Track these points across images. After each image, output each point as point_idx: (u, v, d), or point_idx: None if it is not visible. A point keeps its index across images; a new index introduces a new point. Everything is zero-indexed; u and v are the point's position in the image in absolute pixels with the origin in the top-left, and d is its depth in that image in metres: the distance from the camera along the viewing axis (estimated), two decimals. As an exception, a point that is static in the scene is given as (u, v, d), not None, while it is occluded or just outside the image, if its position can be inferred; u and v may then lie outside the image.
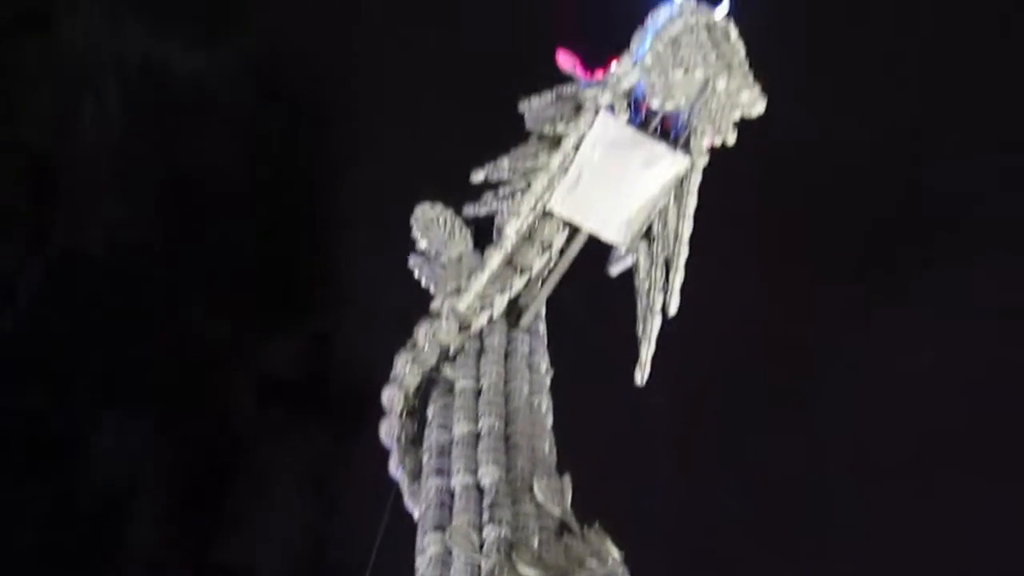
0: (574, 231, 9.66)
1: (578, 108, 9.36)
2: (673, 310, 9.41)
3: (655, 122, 9.31)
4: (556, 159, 9.21)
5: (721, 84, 8.62)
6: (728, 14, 9.21)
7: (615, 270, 9.98)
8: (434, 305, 9.94)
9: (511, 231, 9.28)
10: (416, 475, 9.37)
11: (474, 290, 9.38)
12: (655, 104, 8.91)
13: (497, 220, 10.07)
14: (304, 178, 14.05)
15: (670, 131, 9.45)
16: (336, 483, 13.56)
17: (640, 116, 9.33)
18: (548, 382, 9.74)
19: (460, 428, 9.16)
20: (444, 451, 9.14)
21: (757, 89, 8.67)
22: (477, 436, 9.06)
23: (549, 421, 9.44)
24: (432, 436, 9.30)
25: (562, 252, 9.79)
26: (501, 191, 9.87)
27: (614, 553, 7.81)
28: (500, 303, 9.65)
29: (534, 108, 9.74)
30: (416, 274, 10.82)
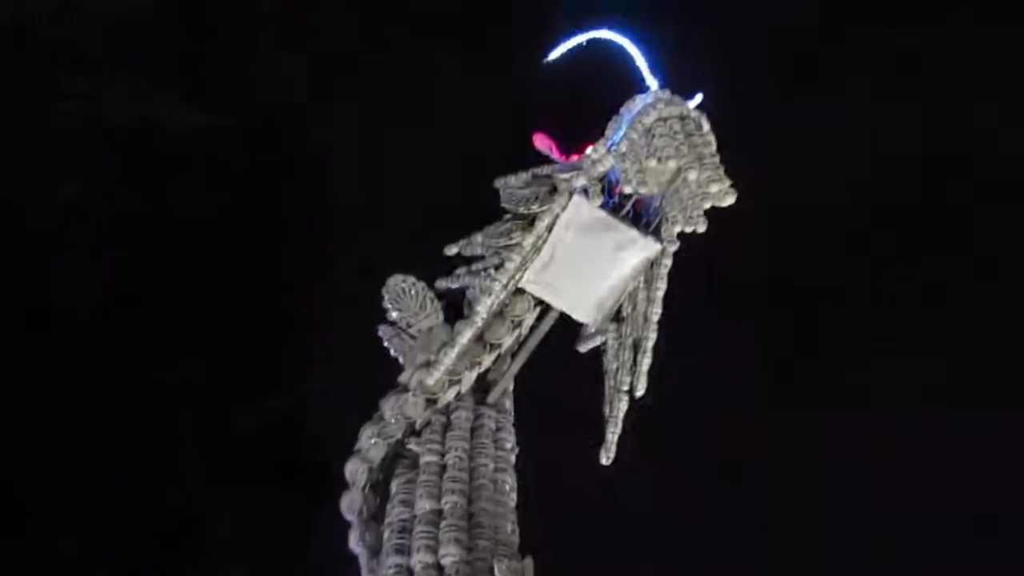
0: (545, 309, 9.94)
1: (553, 190, 9.69)
2: (640, 392, 9.71)
3: (628, 206, 9.67)
4: (530, 239, 9.53)
5: (692, 175, 9.09)
6: (700, 106, 9.67)
7: (584, 347, 10.23)
8: (402, 378, 10.09)
9: (483, 308, 9.50)
10: (376, 551, 9.41)
11: (444, 365, 9.58)
12: (627, 189, 9.30)
13: (468, 294, 10.27)
14: (278, 246, 14.34)
15: (642, 216, 9.84)
16: (295, 557, 13.58)
17: (613, 200, 9.70)
18: (513, 460, 9.92)
19: (422, 504, 9.27)
20: (405, 528, 9.26)
21: (727, 183, 9.10)
22: (440, 513, 9.17)
23: (513, 500, 9.61)
24: (393, 512, 9.42)
25: (532, 329, 10.04)
26: (474, 266, 10.13)
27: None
28: (469, 379, 9.83)
29: (510, 186, 10.08)
30: (385, 344, 10.84)
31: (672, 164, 9.26)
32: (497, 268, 9.86)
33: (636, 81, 10.03)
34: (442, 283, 10.58)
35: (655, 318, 9.74)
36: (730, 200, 9.18)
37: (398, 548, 9.19)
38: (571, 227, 9.62)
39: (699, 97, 9.88)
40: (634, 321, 9.87)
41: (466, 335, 9.74)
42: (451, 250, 10.53)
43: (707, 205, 9.34)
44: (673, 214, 9.61)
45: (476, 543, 8.89)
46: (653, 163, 9.34)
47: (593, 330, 9.99)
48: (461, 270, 10.39)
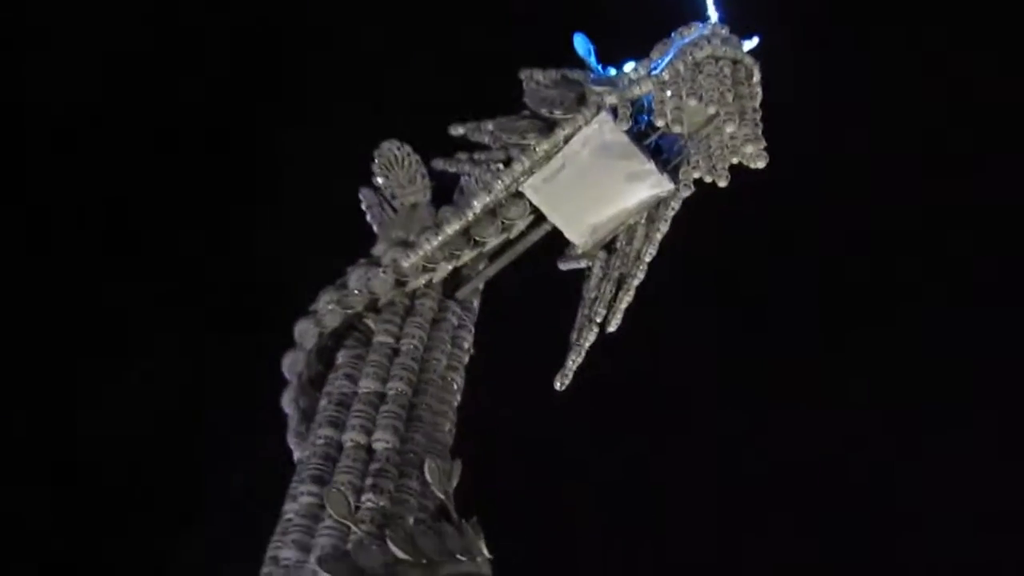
0: (538, 219, 10.15)
1: (581, 99, 9.82)
2: (612, 327, 10.05)
3: (653, 138, 9.87)
4: (544, 144, 9.64)
5: (730, 128, 9.26)
6: (755, 53, 9.79)
7: (565, 266, 10.47)
8: (375, 250, 10.33)
9: (478, 202, 9.68)
10: (308, 416, 9.84)
11: (423, 250, 9.75)
12: (659, 122, 9.48)
13: (464, 182, 10.43)
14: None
15: (663, 150, 10.02)
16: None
17: (639, 127, 9.90)
18: (467, 360, 10.27)
19: (367, 384, 9.61)
20: (343, 403, 9.59)
21: (761, 145, 9.28)
22: (382, 397, 9.51)
23: (457, 400, 10.00)
24: (335, 383, 9.73)
25: (520, 235, 10.21)
26: (476, 155, 10.24)
27: (485, 552, 8.45)
28: (444, 269, 10.04)
29: (536, 82, 10.16)
30: (364, 208, 11.11)
31: (712, 109, 9.44)
32: (504, 165, 9.95)
33: (696, 6, 10.13)
34: (439, 163, 10.69)
35: (647, 258, 10.02)
36: (761, 164, 9.42)
37: (332, 420, 9.53)
38: (589, 144, 9.75)
39: (756, 41, 10.04)
40: (625, 256, 10.14)
41: (453, 225, 9.92)
42: (457, 130, 10.56)
43: (735, 161, 9.57)
44: (697, 159, 9.86)
45: (412, 435, 9.29)
46: (693, 102, 9.51)
47: (580, 252, 10.22)
48: (462, 155, 10.48)
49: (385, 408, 9.36)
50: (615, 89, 9.69)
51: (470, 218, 9.81)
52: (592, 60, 10.23)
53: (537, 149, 9.71)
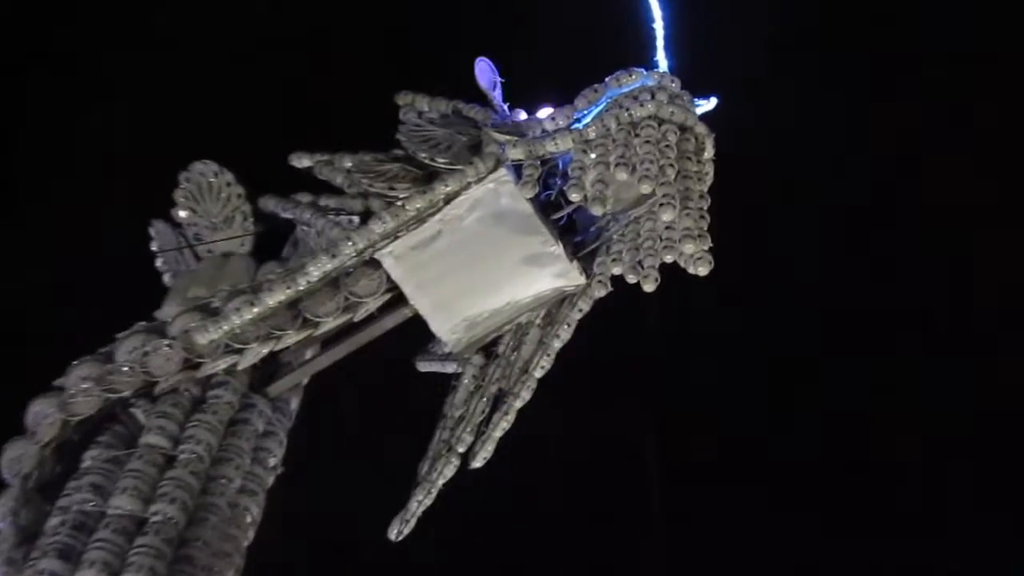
0: (396, 299, 8.95)
1: (475, 147, 8.79)
2: (479, 463, 8.96)
3: (565, 213, 8.88)
4: (417, 201, 8.59)
5: (666, 215, 8.32)
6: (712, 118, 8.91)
7: (425, 367, 9.49)
8: (162, 313, 9.02)
9: (315, 268, 8.50)
10: (29, 538, 8.21)
11: (230, 323, 8.47)
12: (574, 196, 8.50)
13: (300, 234, 9.37)
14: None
15: (578, 232, 9.07)
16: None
17: (549, 195, 8.88)
18: (270, 482, 8.90)
19: (121, 502, 8.11)
20: (83, 526, 8.07)
21: (705, 245, 8.36)
22: (141, 524, 8.03)
23: (248, 538, 8.59)
24: (76, 495, 8.19)
25: (367, 320, 8.97)
26: (324, 200, 9.13)
27: None
28: (255, 354, 8.74)
29: (419, 114, 9.18)
30: (154, 248, 9.88)
31: (647, 187, 8.45)
32: (359, 219, 8.87)
33: (642, 48, 9.18)
34: (269, 202, 9.48)
35: (538, 373, 8.97)
36: (703, 271, 8.46)
37: (62, 550, 7.99)
38: (479, 208, 8.74)
39: (713, 103, 9.16)
40: (508, 366, 9.07)
41: (277, 293, 8.63)
42: (300, 161, 9.41)
43: (668, 259, 8.58)
44: (620, 250, 8.85)
45: (171, 585, 7.82)
46: (623, 174, 8.49)
47: (448, 352, 9.17)
48: (304, 196, 9.31)
49: (142, 541, 7.90)
50: (523, 140, 8.71)
51: (303, 287, 8.58)
52: (497, 96, 9.21)
53: (407, 206, 8.63)
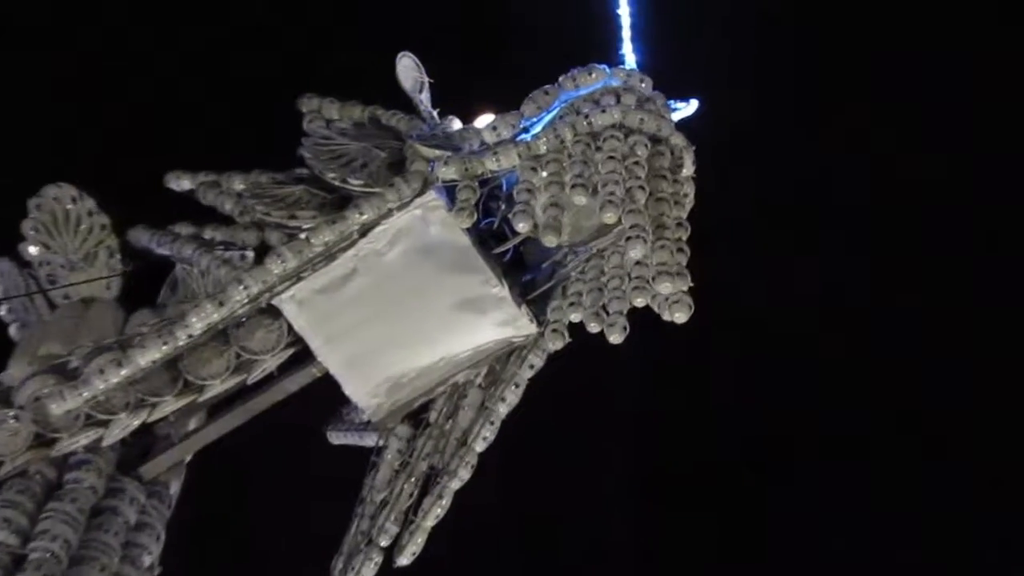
0: (301, 357, 8.75)
1: (397, 165, 8.56)
2: (406, 559, 8.67)
3: (510, 245, 8.66)
4: (326, 233, 8.35)
5: (636, 250, 8.04)
6: (692, 146, 8.60)
7: (338, 439, 9.30)
8: (7, 376, 8.77)
9: (199, 320, 8.26)
10: None
11: (92, 389, 8.24)
12: (521, 224, 8.21)
13: (180, 273, 9.11)
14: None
15: (528, 270, 8.89)
16: None
17: (490, 223, 8.71)
18: None
19: None
20: None
21: (684, 284, 8.12)
22: None
23: None
24: None
25: (265, 382, 8.79)
26: (210, 232, 8.98)
27: None
28: (124, 426, 8.50)
29: (326, 123, 9.04)
30: None
31: (611, 216, 8.18)
32: (254, 256, 8.71)
33: (606, 42, 8.99)
34: (141, 235, 9.33)
35: (479, 446, 8.68)
36: (680, 317, 8.20)
37: None
38: (402, 241, 8.52)
39: (693, 106, 9.01)
40: (442, 438, 8.82)
41: (152, 350, 8.37)
42: (180, 182, 9.29)
43: (639, 303, 8.31)
44: (579, 291, 8.58)
45: None
46: (581, 198, 8.23)
47: (366, 420, 8.92)
48: (185, 227, 9.15)
49: None
50: (457, 156, 8.48)
51: (183, 341, 8.35)
52: (424, 100, 9.04)
53: (312, 239, 8.38)
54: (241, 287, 8.28)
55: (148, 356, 8.25)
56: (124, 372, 8.22)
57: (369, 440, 9.00)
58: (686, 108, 8.95)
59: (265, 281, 8.33)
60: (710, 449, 14.61)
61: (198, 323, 8.25)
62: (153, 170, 9.18)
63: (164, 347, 8.26)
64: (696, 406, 14.47)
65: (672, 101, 8.85)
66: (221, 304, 8.26)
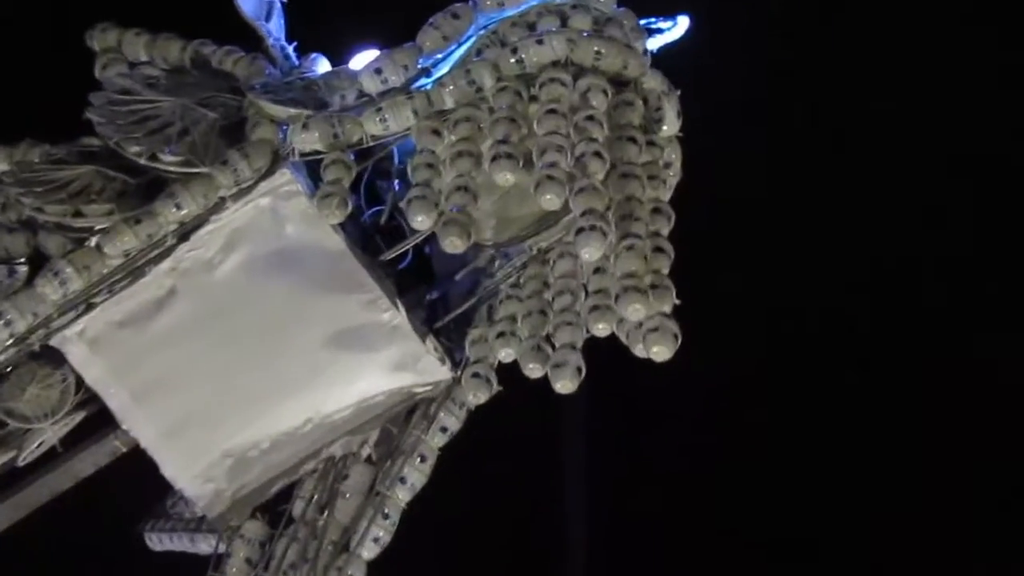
0: (98, 423, 8.36)
1: (231, 130, 8.09)
2: None
3: (404, 246, 8.21)
4: (126, 238, 7.85)
5: (591, 251, 7.39)
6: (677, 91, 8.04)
7: (159, 543, 8.89)
8: None
9: None
10: None
11: None
12: (419, 216, 7.69)
13: None
14: None
15: (433, 282, 8.50)
16: None
17: (376, 215, 8.33)
18: None
19: None
20: None
21: (665, 307, 7.49)
22: None
23: None
24: None
25: (44, 461, 8.34)
26: None
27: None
28: None
29: (129, 65, 8.61)
30: None
31: (551, 200, 7.50)
32: (26, 271, 8.26)
33: None
34: None
35: (368, 552, 8.12)
36: (658, 353, 7.51)
37: None
38: (242, 245, 8.08)
39: (682, 27, 8.46)
40: (312, 539, 8.27)
41: None
42: None
43: (600, 330, 7.68)
44: (511, 315, 8.03)
45: None
46: (506, 173, 7.64)
47: (199, 514, 8.49)
48: None
49: None
50: (320, 116, 7.97)
51: None
52: (273, 31, 8.56)
53: (107, 248, 7.89)
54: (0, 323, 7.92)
55: None
56: None
57: (205, 545, 8.56)
58: (670, 31, 8.42)
59: (36, 313, 7.88)
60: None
61: None
62: None
63: None
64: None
65: (649, 20, 8.32)
66: None
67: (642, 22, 8.29)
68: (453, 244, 7.58)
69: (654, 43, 8.29)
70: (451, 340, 8.27)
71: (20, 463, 8.22)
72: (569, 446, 13.46)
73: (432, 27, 8.02)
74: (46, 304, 7.88)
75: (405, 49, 8.00)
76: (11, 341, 7.94)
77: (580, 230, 7.40)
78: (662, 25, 8.40)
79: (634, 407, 13.30)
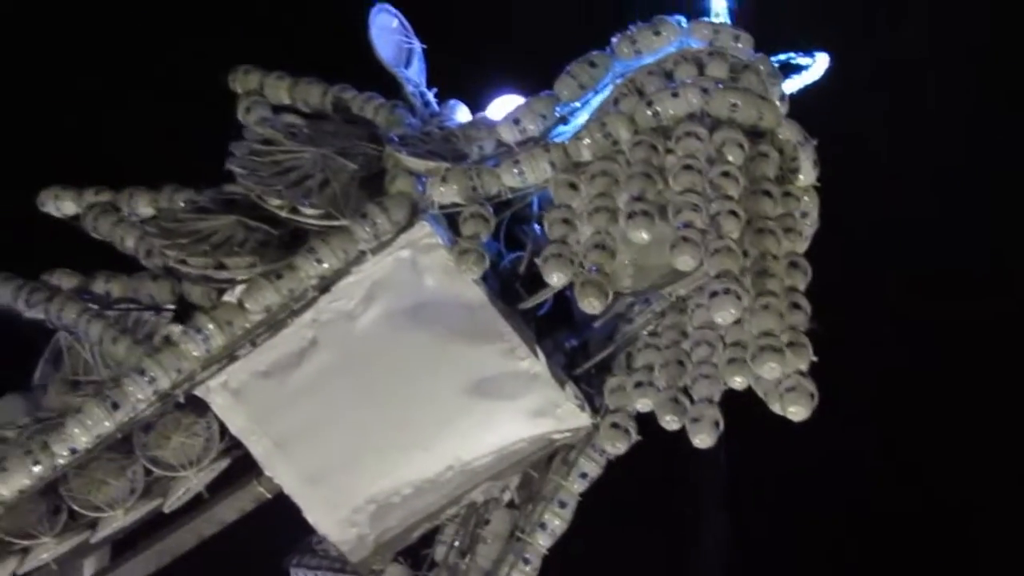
0: (242, 470, 8.50)
1: (371, 181, 8.15)
2: None
3: (543, 297, 8.25)
4: (267, 295, 7.97)
5: (725, 314, 7.39)
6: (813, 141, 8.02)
7: None
8: None
9: (83, 432, 7.95)
10: None
11: None
12: (555, 276, 7.72)
13: (61, 338, 8.78)
14: None
15: (571, 328, 8.48)
16: None
17: (513, 261, 8.41)
18: None
19: None
20: None
21: (803, 364, 7.50)
22: None
23: None
24: None
25: (190, 508, 8.51)
26: (101, 286, 8.66)
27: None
28: None
29: (262, 121, 8.67)
30: None
31: (686, 262, 7.51)
32: (172, 318, 8.41)
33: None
34: (3, 291, 8.84)
35: None
36: (795, 413, 7.58)
37: None
38: (383, 298, 8.15)
39: (821, 64, 8.43)
40: None
41: (16, 478, 8.08)
42: (59, 205, 8.92)
43: (738, 383, 7.69)
44: (648, 364, 8.09)
45: None
46: (642, 232, 7.62)
47: (343, 559, 8.53)
48: (66, 278, 8.83)
49: None
50: (458, 169, 8.01)
51: (62, 461, 8.04)
52: (412, 78, 8.65)
53: (248, 304, 8.01)
54: (144, 380, 7.95)
55: (13, 484, 7.99)
56: None
57: None
58: (809, 69, 8.37)
59: (179, 370, 8.01)
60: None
61: (83, 436, 7.96)
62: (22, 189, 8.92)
63: (36, 470, 7.99)
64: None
65: (789, 56, 8.31)
66: (116, 407, 7.97)
67: (781, 57, 8.32)
68: (591, 305, 7.62)
69: (792, 84, 8.26)
70: (590, 385, 8.29)
71: (166, 510, 8.39)
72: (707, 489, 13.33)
73: (569, 75, 8.05)
74: (189, 361, 8.02)
75: (543, 98, 8.07)
76: (156, 398, 8.06)
77: (714, 293, 7.43)
78: (801, 62, 8.38)
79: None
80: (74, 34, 14.03)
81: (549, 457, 8.34)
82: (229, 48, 9.29)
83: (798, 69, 8.44)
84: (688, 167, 7.66)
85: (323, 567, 8.84)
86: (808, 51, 8.52)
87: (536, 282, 8.31)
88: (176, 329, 8.14)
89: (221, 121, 9.17)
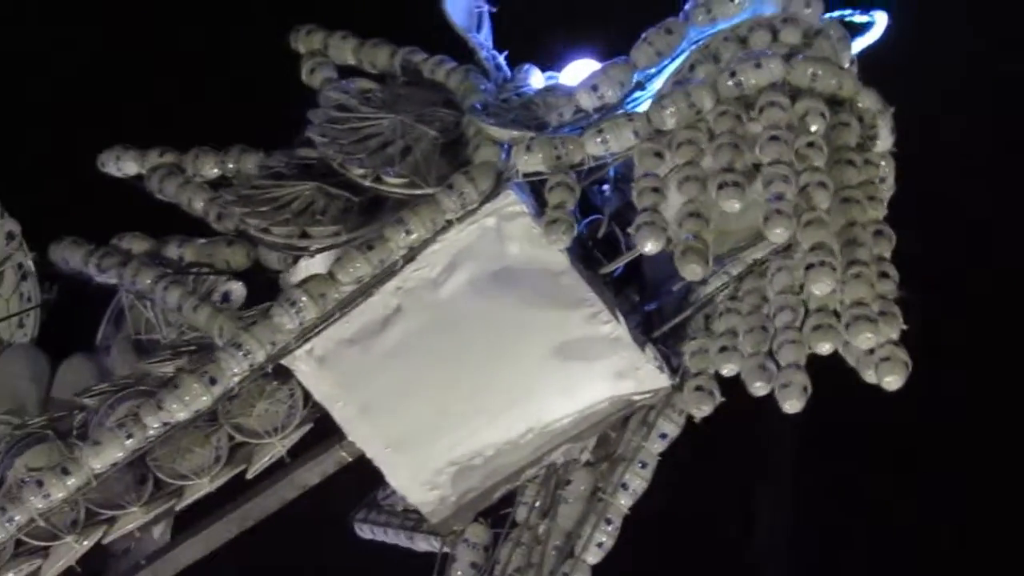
0: (323, 434, 8.58)
1: (450, 147, 8.19)
2: None
3: (621, 263, 8.34)
4: (359, 266, 8.01)
5: (823, 286, 7.54)
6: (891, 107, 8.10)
7: (375, 534, 9.18)
8: None
9: (181, 408, 8.01)
10: None
11: (27, 511, 8.17)
12: (649, 245, 7.72)
13: (123, 299, 9.00)
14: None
15: (647, 291, 8.60)
16: None
17: (594, 224, 8.43)
18: None
19: None
20: None
21: (894, 333, 7.60)
22: None
23: None
24: None
25: (270, 472, 8.61)
26: (172, 250, 8.73)
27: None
28: (69, 554, 8.45)
29: (335, 66, 8.73)
30: None
31: (780, 233, 7.55)
32: (244, 287, 8.63)
33: None
34: (73, 255, 8.89)
35: (592, 558, 8.33)
36: (890, 383, 7.67)
37: None
38: (467, 265, 8.21)
39: (880, 23, 8.36)
40: (535, 544, 8.50)
41: (108, 451, 8.13)
42: (121, 165, 8.87)
43: (825, 349, 7.75)
44: (731, 327, 8.16)
45: None
46: (734, 201, 7.70)
47: (422, 520, 8.70)
48: (136, 240, 8.83)
49: None
50: (542, 137, 8.01)
51: (154, 433, 8.11)
52: (483, 41, 8.61)
53: (341, 276, 8.04)
54: (240, 354, 7.99)
55: (106, 458, 8.04)
56: (71, 484, 8.03)
57: (424, 544, 8.82)
58: (868, 30, 8.32)
59: (274, 343, 8.04)
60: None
61: (181, 411, 8.00)
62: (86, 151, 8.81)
63: (129, 443, 8.03)
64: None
65: (844, 13, 8.25)
66: (213, 382, 8.01)
67: (835, 15, 8.27)
68: (694, 272, 7.64)
69: (855, 46, 8.21)
70: (666, 346, 8.35)
71: (249, 476, 8.47)
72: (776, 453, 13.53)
73: (646, 43, 8.06)
74: (283, 333, 8.04)
75: (620, 64, 8.09)
76: (250, 371, 8.12)
77: (810, 266, 7.55)
78: (857, 19, 8.33)
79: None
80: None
81: (626, 418, 8.41)
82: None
83: (858, 28, 8.41)
84: (775, 138, 7.69)
85: (392, 524, 8.99)
86: (865, 8, 8.47)
87: (609, 245, 8.41)
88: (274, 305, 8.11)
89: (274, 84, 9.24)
